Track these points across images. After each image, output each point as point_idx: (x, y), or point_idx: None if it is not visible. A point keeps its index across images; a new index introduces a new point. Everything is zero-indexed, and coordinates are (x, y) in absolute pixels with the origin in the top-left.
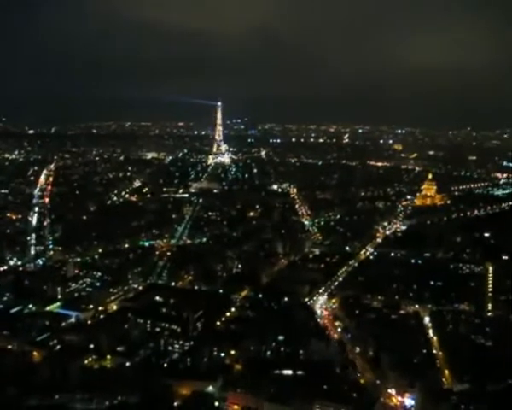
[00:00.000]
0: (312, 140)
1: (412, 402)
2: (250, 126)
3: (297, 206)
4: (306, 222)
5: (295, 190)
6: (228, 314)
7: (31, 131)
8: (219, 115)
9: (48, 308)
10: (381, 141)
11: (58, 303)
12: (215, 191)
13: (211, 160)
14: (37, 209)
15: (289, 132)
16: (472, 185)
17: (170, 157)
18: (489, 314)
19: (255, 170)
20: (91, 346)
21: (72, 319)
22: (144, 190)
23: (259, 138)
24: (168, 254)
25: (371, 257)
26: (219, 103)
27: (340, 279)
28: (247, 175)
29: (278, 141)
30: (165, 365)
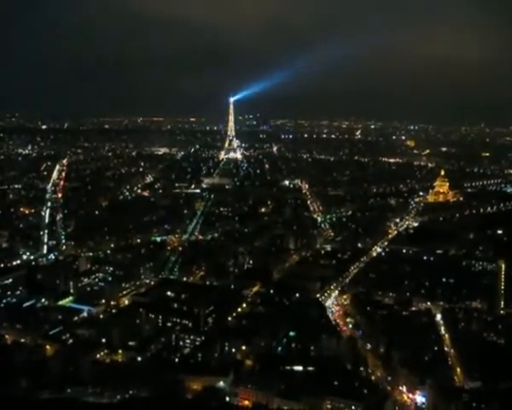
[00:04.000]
0: (325, 136)
1: (423, 400)
2: (262, 122)
3: (309, 202)
4: (318, 218)
5: (307, 185)
6: (239, 310)
7: (44, 127)
8: (231, 111)
9: (60, 303)
10: (394, 137)
11: (70, 297)
12: (227, 187)
13: (222, 155)
14: (49, 204)
15: (301, 128)
16: (485, 182)
17: (182, 153)
18: (501, 312)
19: (267, 166)
20: (103, 340)
21: (85, 314)
22: (156, 186)
23: (271, 134)
24: (180, 249)
25: (383, 254)
26: (231, 98)
27: (352, 276)
28: (258, 171)
29: (290, 137)
30: (177, 360)
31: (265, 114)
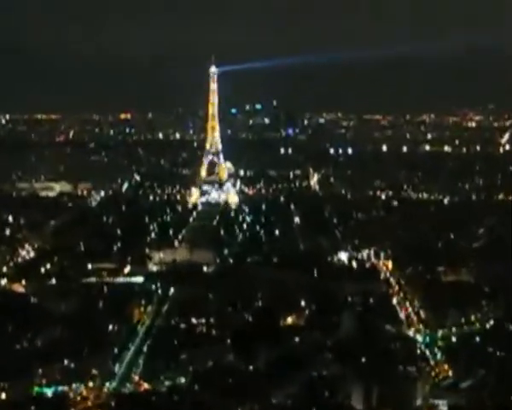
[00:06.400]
0: (428, 148)
1: None
2: (284, 119)
3: (395, 301)
4: (418, 337)
5: (390, 264)
6: None
7: None
8: (214, 97)
9: None
10: None
11: None
12: (204, 269)
13: (194, 197)
14: None
15: (372, 132)
16: None
17: (102, 192)
18: None
19: (297, 220)
20: None
21: None
22: (43, 269)
23: (305, 146)
24: None
25: None
26: (213, 69)
27: None
28: (277, 231)
29: (349, 151)
30: None
31: (291, 101)
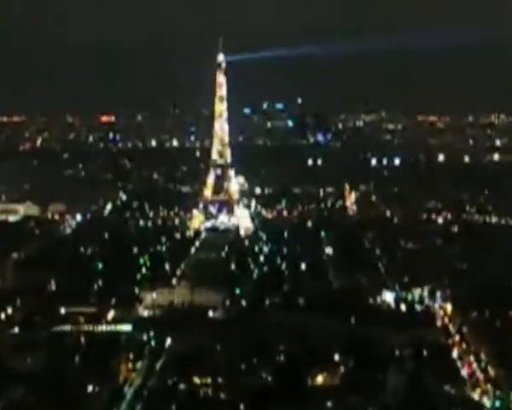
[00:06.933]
0: (498, 158)
1: None
2: (311, 122)
3: (455, 353)
4: (485, 400)
5: (448, 307)
6: None
7: None
8: (222, 93)
9: None
10: None
11: None
12: (211, 314)
13: (198, 221)
14: None
15: (425, 136)
16: None
17: (78, 216)
18: None
19: (329, 250)
20: None
21: None
22: (3, 315)
23: (339, 154)
24: None
25: None
26: (221, 57)
27: None
28: (304, 265)
29: (396, 162)
30: None
31: (320, 99)
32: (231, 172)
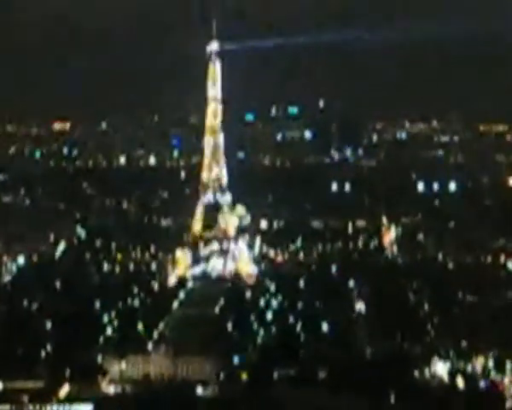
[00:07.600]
0: None
1: None
2: (337, 132)
3: None
4: None
5: None
6: None
7: None
8: (216, 92)
9: None
10: None
11: None
12: (199, 392)
13: (183, 267)
14: None
15: (490, 152)
16: None
17: (20, 259)
18: None
19: (360, 305)
20: None
21: None
22: None
23: (374, 175)
24: None
25: None
26: (215, 46)
27: None
28: (326, 325)
29: (451, 186)
30: None
31: (348, 103)
32: (227, 200)
